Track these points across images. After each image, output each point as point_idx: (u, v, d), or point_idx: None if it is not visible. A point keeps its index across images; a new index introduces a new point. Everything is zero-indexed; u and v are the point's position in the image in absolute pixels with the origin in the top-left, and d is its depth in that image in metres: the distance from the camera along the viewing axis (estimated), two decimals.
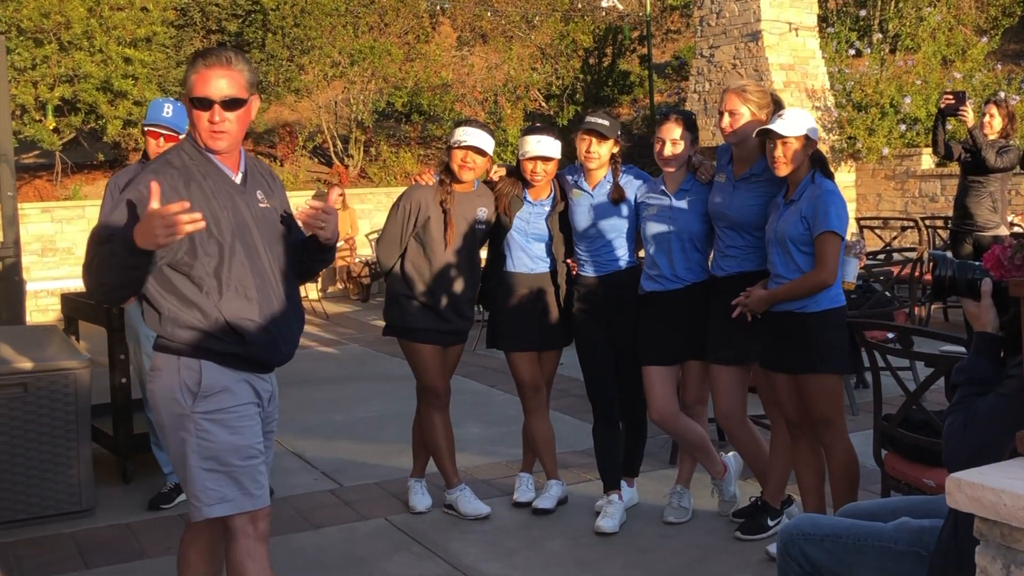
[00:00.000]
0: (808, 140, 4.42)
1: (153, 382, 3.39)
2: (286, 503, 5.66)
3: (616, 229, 5.14)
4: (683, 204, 4.94)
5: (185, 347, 3.30)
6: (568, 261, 5.35)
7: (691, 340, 4.99)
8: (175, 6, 17.14)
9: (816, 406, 4.49)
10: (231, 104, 3.29)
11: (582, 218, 5.18)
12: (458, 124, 5.32)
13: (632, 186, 5.17)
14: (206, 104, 3.27)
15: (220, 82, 3.26)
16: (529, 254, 5.29)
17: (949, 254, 3.16)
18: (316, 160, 18.95)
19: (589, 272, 5.23)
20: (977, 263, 3.06)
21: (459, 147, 5.16)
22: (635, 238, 5.21)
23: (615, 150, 5.15)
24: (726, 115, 4.71)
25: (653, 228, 5.00)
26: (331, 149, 18.33)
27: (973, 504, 2.23)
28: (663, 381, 5.04)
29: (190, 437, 3.29)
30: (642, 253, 5.22)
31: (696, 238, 4.96)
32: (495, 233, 5.35)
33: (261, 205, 3.45)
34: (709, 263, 5.01)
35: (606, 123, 5.07)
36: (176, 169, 3.28)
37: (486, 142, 5.18)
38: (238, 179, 3.41)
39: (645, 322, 5.09)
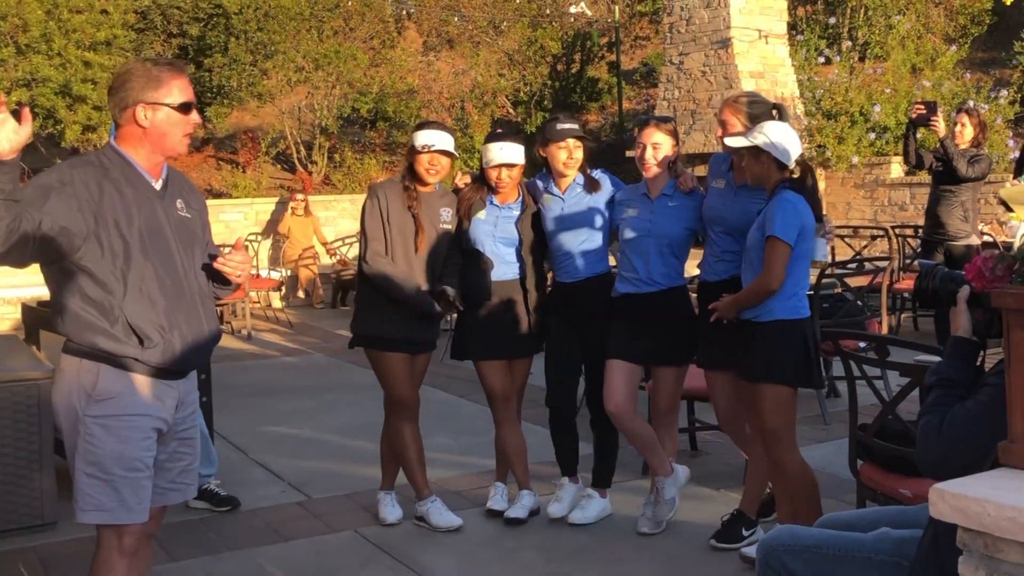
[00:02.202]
0: (763, 152, 4.41)
1: (56, 384, 3.44)
2: (254, 515, 5.57)
3: (589, 233, 5.14)
4: (664, 209, 4.96)
5: (86, 349, 3.31)
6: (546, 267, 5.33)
7: (662, 345, 5.01)
8: (135, 9, 16.95)
9: (762, 417, 4.50)
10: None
11: (554, 223, 5.17)
12: (419, 127, 5.27)
13: (606, 179, 5.21)
14: (190, 108, 3.42)
15: (188, 86, 3.46)
16: (497, 259, 5.23)
17: (941, 265, 3.15)
18: (279, 166, 18.78)
19: (563, 278, 5.22)
20: (961, 273, 3.05)
21: (426, 152, 5.11)
22: (608, 244, 5.21)
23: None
24: (720, 126, 4.78)
25: (632, 231, 4.99)
26: (294, 155, 18.17)
27: (957, 514, 2.25)
28: (625, 376, 5.01)
29: (79, 440, 3.33)
30: (612, 261, 5.22)
31: (675, 244, 4.96)
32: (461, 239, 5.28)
33: (180, 213, 3.50)
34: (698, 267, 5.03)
35: (575, 126, 5.14)
36: (93, 167, 3.34)
37: (450, 143, 5.16)
38: (158, 185, 3.46)
39: (615, 321, 5.07)
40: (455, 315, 5.42)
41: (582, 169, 5.19)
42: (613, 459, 5.42)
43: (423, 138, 5.13)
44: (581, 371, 5.37)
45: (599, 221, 5.15)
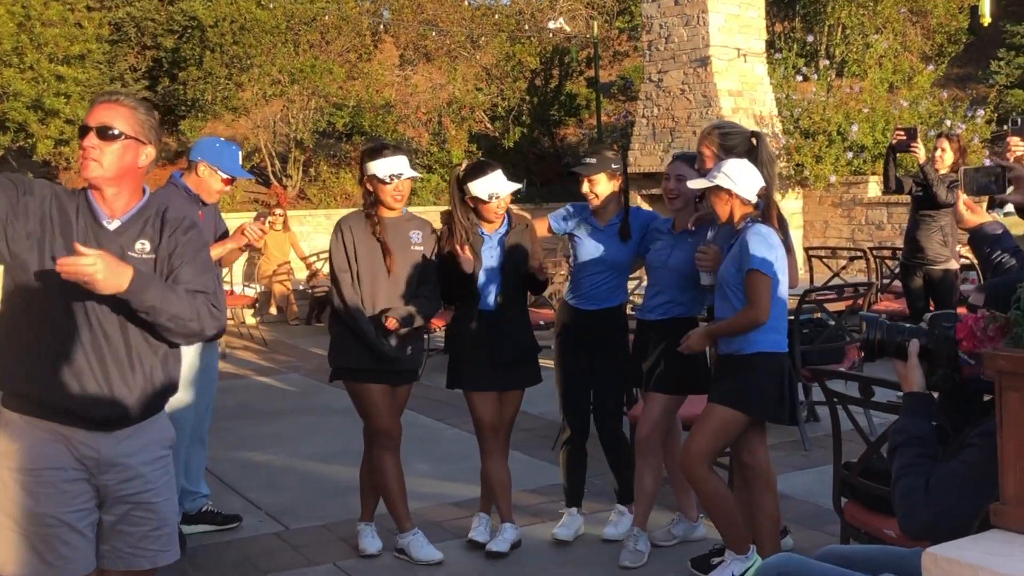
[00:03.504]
0: (723, 190, 4.48)
1: None
2: (231, 547, 5.49)
3: (617, 267, 5.30)
4: (683, 244, 5.05)
5: (4, 391, 3.30)
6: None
7: (656, 370, 5.09)
8: (110, 21, 16.81)
9: (700, 436, 4.52)
10: (105, 132, 3.25)
11: (587, 253, 5.30)
12: (374, 154, 5.13)
13: (640, 221, 5.32)
14: (84, 131, 3.28)
15: (100, 112, 3.29)
16: (487, 291, 5.21)
17: (884, 318, 3.18)
18: (253, 180, 18.61)
19: (581, 305, 5.33)
20: (906, 325, 3.13)
21: (392, 180, 5.05)
22: (628, 276, 5.45)
23: (614, 183, 5.27)
24: (699, 158, 4.87)
25: (653, 262, 5.14)
26: (268, 168, 18.04)
27: None
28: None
29: None
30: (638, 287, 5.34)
31: (688, 276, 5.03)
32: (466, 273, 5.20)
33: (133, 255, 3.27)
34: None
35: (592, 161, 5.23)
36: (67, 193, 3.30)
37: (408, 166, 5.13)
38: (113, 224, 3.29)
39: (652, 349, 5.13)
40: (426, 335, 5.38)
41: (622, 210, 5.31)
42: (631, 474, 5.36)
43: (388, 167, 5.06)
44: (591, 399, 5.44)
45: (628, 258, 5.32)
